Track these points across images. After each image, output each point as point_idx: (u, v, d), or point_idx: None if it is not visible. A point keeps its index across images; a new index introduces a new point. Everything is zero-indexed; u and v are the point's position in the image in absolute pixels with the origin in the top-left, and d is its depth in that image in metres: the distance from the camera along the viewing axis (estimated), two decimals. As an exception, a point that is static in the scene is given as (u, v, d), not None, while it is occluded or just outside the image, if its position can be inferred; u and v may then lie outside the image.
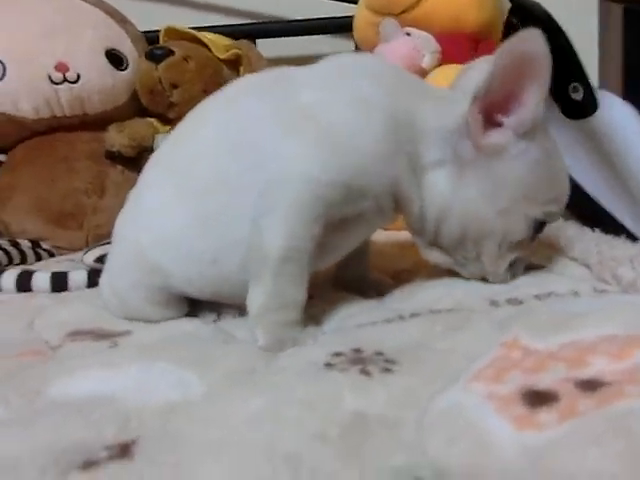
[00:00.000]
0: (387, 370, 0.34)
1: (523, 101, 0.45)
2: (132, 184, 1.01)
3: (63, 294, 0.66)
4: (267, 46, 1.18)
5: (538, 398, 0.29)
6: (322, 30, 1.24)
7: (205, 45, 1.10)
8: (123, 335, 0.49)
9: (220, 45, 1.12)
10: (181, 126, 0.56)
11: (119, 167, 1.05)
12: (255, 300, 0.47)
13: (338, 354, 0.38)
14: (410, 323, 0.45)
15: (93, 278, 0.67)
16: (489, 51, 0.84)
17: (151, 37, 1.15)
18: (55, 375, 0.39)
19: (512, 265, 0.51)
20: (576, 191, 0.83)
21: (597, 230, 0.62)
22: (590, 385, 0.29)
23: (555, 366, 0.31)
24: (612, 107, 0.84)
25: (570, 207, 0.83)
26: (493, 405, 0.29)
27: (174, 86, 1.02)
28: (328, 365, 0.36)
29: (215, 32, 1.17)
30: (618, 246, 0.54)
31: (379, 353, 0.37)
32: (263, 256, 0.46)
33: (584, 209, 0.79)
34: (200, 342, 0.46)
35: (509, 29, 0.92)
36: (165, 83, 1.02)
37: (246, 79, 0.56)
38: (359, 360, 0.36)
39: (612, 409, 0.26)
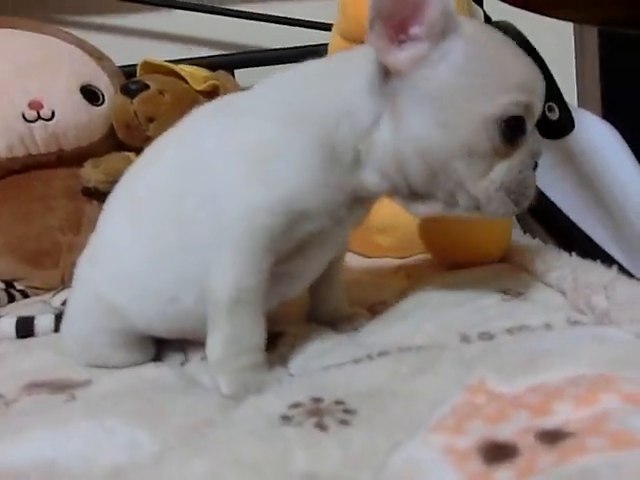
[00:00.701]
0: (344, 422, 0.33)
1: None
2: (110, 220, 1.02)
3: (27, 340, 0.64)
4: (246, 76, 1.18)
5: (497, 453, 0.27)
6: (298, 58, 1.24)
7: (182, 77, 1.09)
8: (82, 386, 0.47)
9: (198, 77, 1.12)
10: (140, 160, 0.55)
11: (95, 203, 1.03)
12: (213, 347, 0.45)
13: (296, 405, 0.36)
14: (377, 364, 0.43)
15: (60, 322, 0.65)
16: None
17: (130, 71, 1.15)
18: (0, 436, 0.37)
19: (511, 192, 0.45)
20: (555, 213, 0.82)
21: (574, 254, 0.61)
22: (552, 437, 0.27)
23: (518, 414, 0.29)
24: (590, 126, 0.83)
25: (549, 230, 0.83)
26: (450, 460, 0.27)
27: (150, 120, 1.01)
28: (285, 418, 0.34)
29: (193, 64, 1.17)
30: (593, 272, 0.52)
31: (339, 402, 0.36)
32: (215, 300, 0.45)
33: (563, 232, 0.78)
34: (159, 392, 0.43)
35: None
36: (141, 117, 1.01)
37: (197, 111, 0.54)
38: (316, 412, 0.34)
39: (571, 467, 0.24)
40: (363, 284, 0.73)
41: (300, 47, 1.21)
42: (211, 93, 1.12)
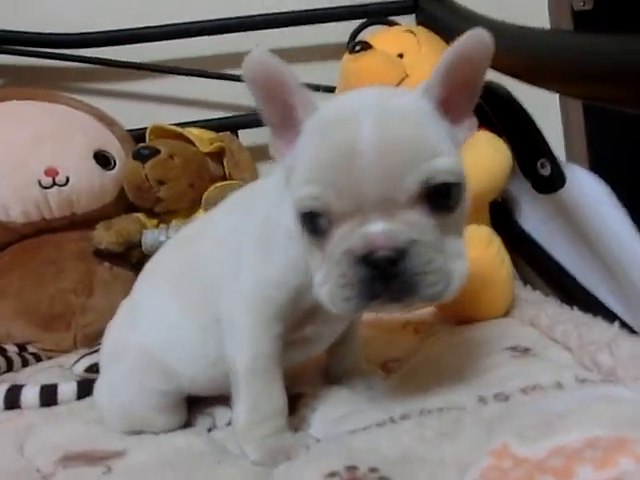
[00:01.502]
0: (382, 490, 0.35)
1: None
2: (121, 281, 1.05)
3: (53, 409, 0.65)
4: (250, 136, 1.24)
5: (528, 518, 0.29)
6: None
7: (190, 140, 1.14)
8: (117, 457, 0.48)
9: (204, 139, 1.17)
10: (182, 235, 0.61)
11: (107, 264, 1.06)
12: (238, 417, 0.49)
13: (332, 474, 0.38)
14: (401, 428, 0.45)
15: (84, 389, 0.67)
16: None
17: (138, 135, 1.20)
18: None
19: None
20: (554, 266, 0.86)
21: (575, 308, 0.64)
22: (578, 500, 0.29)
23: (544, 478, 0.32)
24: (581, 180, 0.87)
25: (548, 282, 0.87)
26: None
27: (161, 182, 1.06)
28: (322, 487, 0.36)
29: (199, 126, 1.22)
30: (596, 328, 0.55)
31: (373, 469, 0.38)
32: (234, 370, 0.49)
33: (562, 284, 0.81)
34: (195, 463, 0.45)
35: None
36: (152, 180, 1.05)
37: (230, 197, 0.59)
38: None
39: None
40: (373, 340, 0.76)
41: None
42: (218, 154, 1.17)
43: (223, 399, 0.57)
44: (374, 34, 1.03)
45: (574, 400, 0.42)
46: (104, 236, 1.04)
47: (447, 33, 1.02)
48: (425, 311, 0.86)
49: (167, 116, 1.24)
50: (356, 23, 1.24)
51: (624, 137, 1.27)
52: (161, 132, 1.17)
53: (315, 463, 0.41)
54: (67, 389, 0.67)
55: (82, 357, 0.72)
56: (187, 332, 0.53)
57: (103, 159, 1.10)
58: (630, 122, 1.19)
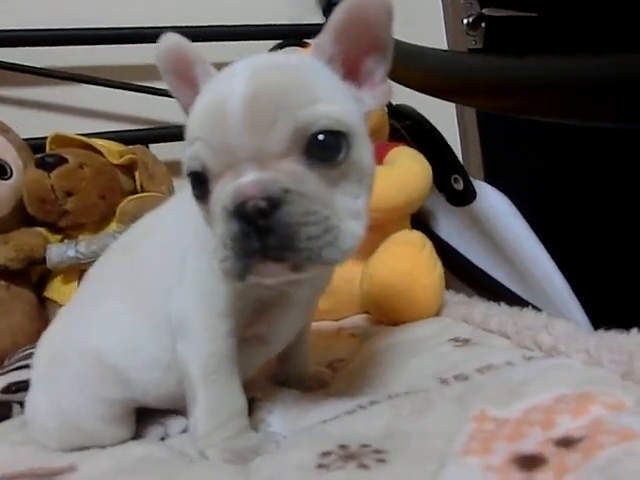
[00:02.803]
0: (382, 461, 0.35)
1: None
2: (20, 300, 0.95)
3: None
4: (161, 150, 1.20)
5: (529, 462, 0.32)
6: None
7: (97, 151, 1.08)
8: (66, 472, 0.43)
9: (113, 150, 1.11)
10: (124, 240, 0.58)
11: (3, 283, 0.95)
12: (197, 422, 0.46)
13: (326, 453, 0.38)
14: (374, 411, 0.46)
15: (0, 411, 0.59)
16: (379, 150, 0.94)
17: (35, 145, 1.10)
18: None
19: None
20: (474, 270, 0.93)
21: (502, 303, 0.70)
22: (568, 442, 0.32)
23: (532, 430, 0.35)
24: (489, 196, 0.97)
25: (471, 284, 0.94)
26: (493, 475, 0.31)
27: (69, 194, 0.98)
28: (321, 466, 0.36)
29: (106, 138, 1.16)
30: (527, 315, 0.61)
31: (365, 445, 0.38)
32: (188, 373, 0.46)
33: (483, 284, 0.89)
34: (164, 466, 0.42)
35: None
36: (58, 191, 0.97)
37: (170, 199, 0.57)
38: (350, 456, 0.37)
39: (598, 459, 0.29)
40: (312, 345, 0.76)
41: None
42: (128, 167, 1.12)
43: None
44: (300, 50, 1.07)
45: (531, 371, 0.46)
46: (1, 252, 0.94)
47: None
48: (357, 317, 0.89)
49: (69, 126, 1.15)
50: (272, 44, 1.28)
51: (516, 150, 1.42)
52: (64, 141, 1.08)
53: (300, 450, 0.40)
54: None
55: (-5, 377, 0.63)
56: (139, 336, 0.50)
57: (-2, 168, 0.99)
58: (521, 138, 1.34)
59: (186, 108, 0.44)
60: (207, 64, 0.43)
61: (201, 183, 0.38)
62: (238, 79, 0.36)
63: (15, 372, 0.64)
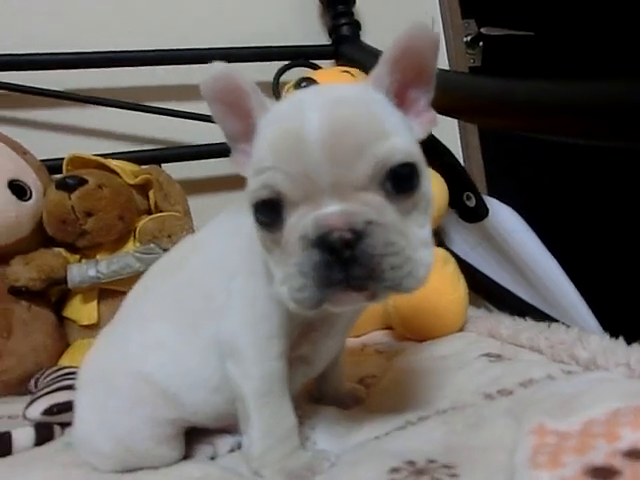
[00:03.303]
0: (454, 475, 0.37)
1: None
2: (41, 321, 0.95)
3: (8, 460, 0.57)
4: (173, 170, 1.21)
5: (602, 474, 0.33)
6: (222, 153, 1.31)
7: (113, 171, 1.09)
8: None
9: (127, 170, 1.12)
10: (165, 261, 0.59)
11: (24, 303, 0.95)
12: (252, 443, 0.47)
13: (395, 469, 0.39)
14: (426, 427, 0.48)
15: (42, 434, 0.60)
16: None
17: (52, 166, 1.11)
18: None
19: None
20: (491, 284, 0.96)
21: (528, 318, 0.72)
22: (635, 454, 0.34)
23: (598, 443, 0.36)
24: (500, 212, 1.00)
25: (489, 298, 0.96)
26: (569, 488, 0.33)
27: (89, 214, 0.99)
28: (394, 482, 0.37)
29: (118, 158, 1.17)
30: (558, 331, 0.63)
31: (432, 461, 0.39)
32: (242, 395, 0.47)
33: (501, 298, 0.91)
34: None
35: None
36: (79, 212, 0.98)
37: (215, 220, 0.58)
38: (421, 471, 0.38)
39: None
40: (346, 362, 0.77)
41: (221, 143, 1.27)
42: (142, 187, 1.13)
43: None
44: (314, 73, 1.09)
45: (577, 385, 0.48)
46: (22, 272, 0.94)
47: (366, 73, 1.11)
48: (378, 333, 0.90)
49: (81, 147, 1.16)
50: (279, 64, 1.31)
51: (516, 167, 1.46)
52: (80, 163, 1.10)
53: (364, 467, 0.41)
54: (23, 435, 0.59)
55: (34, 400, 0.63)
56: (187, 357, 0.50)
57: (18, 189, 1.00)
58: (521, 155, 1.38)
59: (232, 136, 0.45)
60: (261, 94, 0.43)
61: (272, 211, 0.38)
62: (312, 110, 0.37)
63: (55, 394, 0.64)
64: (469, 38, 1.62)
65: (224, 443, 0.54)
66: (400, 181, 0.37)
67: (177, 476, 0.47)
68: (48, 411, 0.61)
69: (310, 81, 0.95)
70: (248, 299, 0.48)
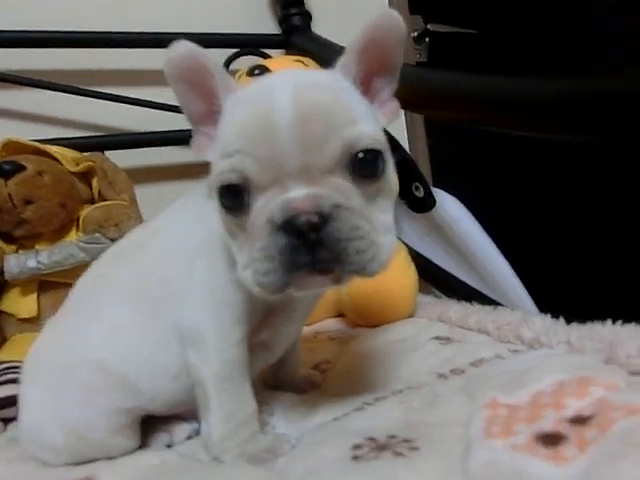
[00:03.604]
0: (414, 448, 0.38)
1: None
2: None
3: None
4: (116, 158, 1.17)
5: (552, 439, 0.35)
6: (165, 142, 1.27)
7: (52, 158, 1.04)
8: (86, 483, 0.43)
9: (68, 157, 1.07)
10: (119, 247, 0.57)
11: (-43, 296, 0.90)
12: (211, 429, 0.47)
13: (357, 446, 0.40)
14: (384, 407, 0.49)
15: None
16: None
17: (-19, 151, 1.04)
18: None
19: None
20: (438, 271, 0.99)
21: (475, 303, 0.75)
22: (581, 420, 0.37)
23: (546, 412, 0.39)
24: (446, 202, 1.03)
25: (437, 285, 0.99)
26: (523, 453, 0.35)
27: (28, 202, 0.94)
28: (357, 457, 0.38)
29: (59, 144, 1.11)
30: (504, 313, 0.66)
31: (392, 436, 0.41)
32: (201, 380, 0.47)
33: (448, 284, 0.94)
34: (192, 472, 0.43)
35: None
36: (17, 200, 0.93)
37: (173, 206, 0.57)
38: (382, 447, 0.39)
39: (615, 431, 0.34)
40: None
41: (170, 131, 1.24)
42: (84, 174, 1.08)
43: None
44: (267, 61, 1.08)
45: (525, 362, 0.51)
46: (-46, 263, 0.88)
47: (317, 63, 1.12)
48: (329, 321, 0.91)
49: (16, 132, 1.10)
50: (228, 52, 1.29)
51: (459, 157, 1.51)
52: (16, 148, 1.03)
53: (327, 445, 0.42)
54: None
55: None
56: (146, 345, 0.49)
57: (-52, 175, 0.93)
58: (467, 145, 1.43)
59: (195, 118, 0.44)
60: (227, 75, 0.43)
61: (237, 196, 0.38)
62: (282, 94, 0.37)
63: (-4, 389, 0.61)
64: (416, 34, 1.66)
65: (181, 430, 0.53)
66: (366, 166, 0.38)
67: (133, 465, 0.46)
68: (-9, 405, 0.58)
69: (263, 69, 0.94)
70: (209, 285, 0.48)
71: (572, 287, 1.17)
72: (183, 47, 0.41)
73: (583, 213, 1.42)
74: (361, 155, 0.37)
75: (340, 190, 0.37)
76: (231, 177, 0.38)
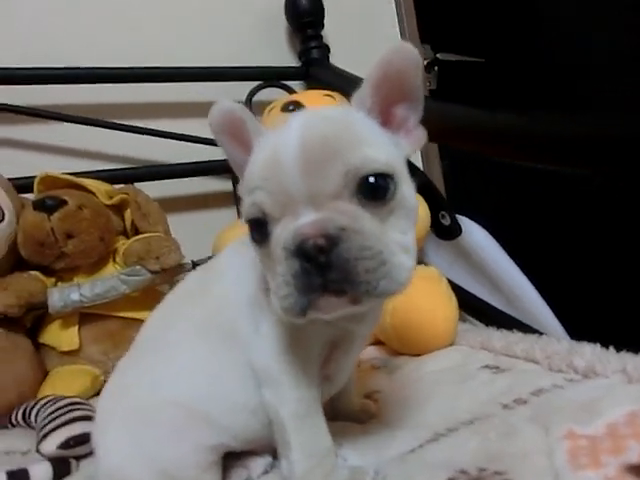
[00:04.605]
0: (510, 481, 0.41)
1: None
2: (21, 349, 0.91)
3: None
4: (147, 189, 1.19)
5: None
6: (195, 173, 1.30)
7: (87, 191, 1.06)
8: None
9: (102, 190, 1.10)
10: (185, 287, 0.59)
11: (1, 330, 0.91)
12: (294, 466, 0.48)
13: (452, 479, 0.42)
14: (458, 438, 0.51)
15: (59, 469, 0.58)
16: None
17: (19, 185, 1.07)
18: None
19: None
20: (470, 298, 1.02)
21: (515, 330, 0.78)
22: (665, 451, 0.39)
23: (629, 443, 0.41)
24: (471, 230, 1.07)
25: (469, 311, 1.02)
26: (616, 485, 0.38)
27: (69, 236, 0.96)
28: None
29: (90, 177, 1.14)
30: (550, 342, 0.69)
31: (482, 469, 0.43)
32: (278, 422, 0.49)
33: (481, 310, 0.97)
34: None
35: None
36: (59, 234, 0.95)
37: (230, 246, 0.59)
38: (477, 479, 0.41)
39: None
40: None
41: (200, 162, 1.27)
42: (117, 207, 1.11)
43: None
44: (298, 95, 1.12)
45: (587, 391, 0.53)
46: (0, 298, 0.90)
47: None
48: (370, 349, 0.93)
49: (48, 166, 1.12)
50: (250, 85, 1.33)
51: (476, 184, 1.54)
52: (52, 182, 1.06)
53: (419, 479, 0.44)
54: (40, 471, 0.57)
55: (45, 435, 0.61)
56: (224, 383, 0.51)
57: (-10, 211, 0.96)
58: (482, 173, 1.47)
59: (238, 166, 0.48)
60: (257, 122, 0.47)
61: (261, 228, 0.41)
62: (292, 132, 0.40)
63: (68, 426, 0.62)
64: (426, 62, 1.71)
65: (257, 465, 0.55)
66: (373, 189, 0.39)
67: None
68: (65, 445, 0.59)
69: (297, 104, 0.98)
70: (274, 326, 0.49)
71: (600, 314, 1.19)
72: (222, 104, 0.46)
73: (601, 239, 1.44)
74: (369, 179, 0.39)
75: (347, 213, 0.38)
76: (253, 211, 0.41)
